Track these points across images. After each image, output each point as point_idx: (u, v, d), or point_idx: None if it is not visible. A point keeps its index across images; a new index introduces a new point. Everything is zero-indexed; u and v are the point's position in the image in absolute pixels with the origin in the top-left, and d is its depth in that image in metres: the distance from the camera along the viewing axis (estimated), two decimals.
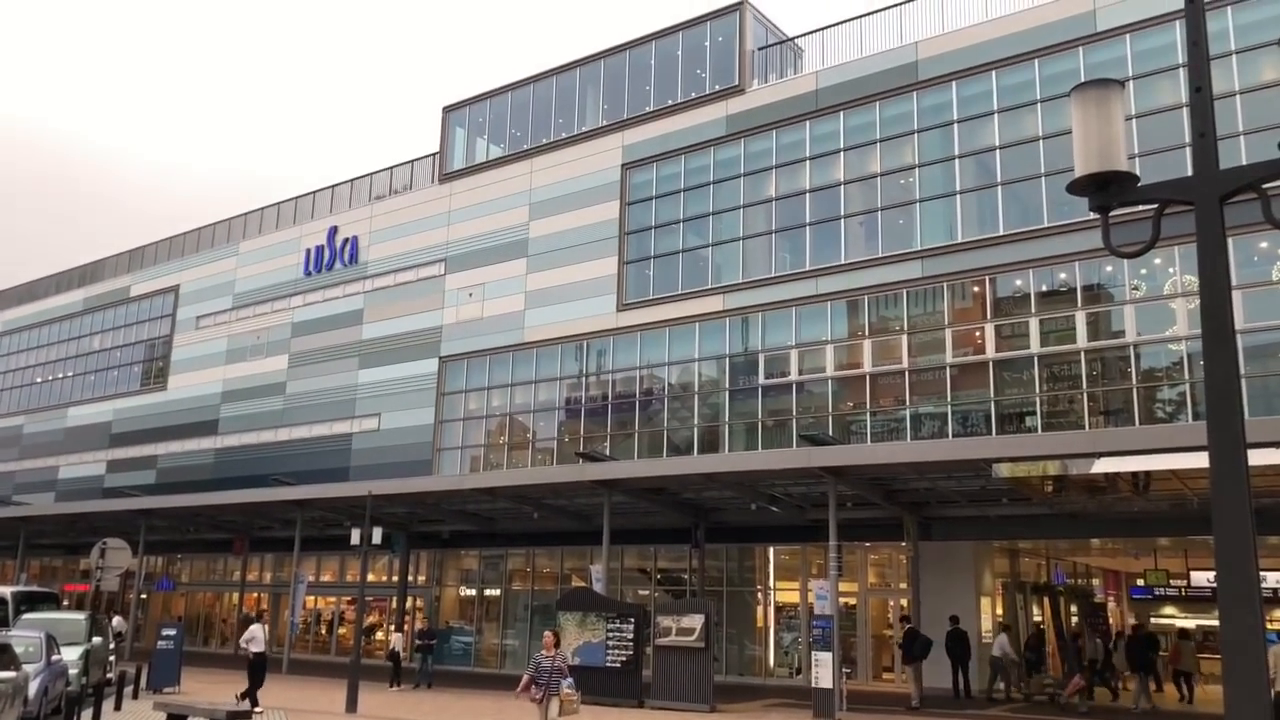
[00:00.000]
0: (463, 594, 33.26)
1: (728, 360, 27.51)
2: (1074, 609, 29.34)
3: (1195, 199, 4.72)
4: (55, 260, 76.87)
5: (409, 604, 33.09)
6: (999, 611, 25.25)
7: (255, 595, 38.86)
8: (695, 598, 24.90)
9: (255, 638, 18.86)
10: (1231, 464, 4.35)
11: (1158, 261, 21.60)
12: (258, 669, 18.38)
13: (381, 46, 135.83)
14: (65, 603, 31.49)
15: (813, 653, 19.39)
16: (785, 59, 29.53)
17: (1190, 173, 4.91)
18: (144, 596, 39.93)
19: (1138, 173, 5.17)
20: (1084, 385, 22.11)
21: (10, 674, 12.99)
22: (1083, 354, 22.27)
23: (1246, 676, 4.15)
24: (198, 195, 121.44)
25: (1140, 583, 31.80)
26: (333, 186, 39.31)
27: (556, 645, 12.84)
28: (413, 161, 37.09)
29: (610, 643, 20.97)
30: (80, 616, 20.85)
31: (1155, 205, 5.02)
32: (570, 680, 12.39)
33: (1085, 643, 23.79)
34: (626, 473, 23.94)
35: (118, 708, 17.51)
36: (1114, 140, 4.96)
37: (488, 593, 32.19)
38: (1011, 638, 23.18)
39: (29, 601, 21.89)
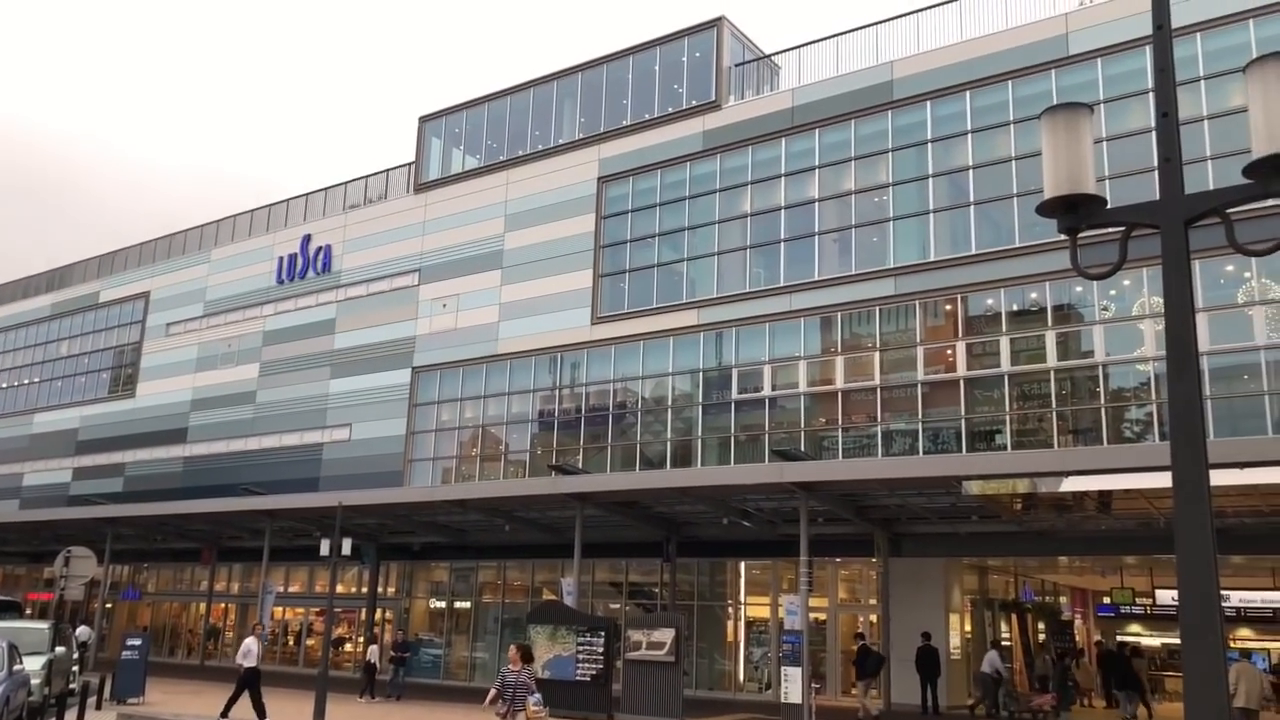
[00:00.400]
0: (433, 606, 33.04)
1: (701, 375, 27.58)
2: (1041, 626, 29.60)
3: (1161, 222, 4.83)
4: (23, 263, 75.96)
5: (378, 616, 32.83)
6: (967, 628, 25.41)
7: (223, 606, 38.44)
8: (666, 612, 24.87)
9: (250, 651, 18.74)
10: (1194, 484, 4.43)
11: (1127, 283, 21.90)
12: (248, 683, 18.25)
13: (358, 55, 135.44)
14: (28, 611, 30.99)
15: (782, 668, 19.42)
16: (762, 76, 29.75)
17: (1157, 197, 5.01)
18: (109, 606, 39.37)
19: (1108, 195, 5.27)
20: (1053, 404, 22.34)
21: None
22: (1052, 373, 22.51)
23: (1207, 694, 4.21)
24: (170, 199, 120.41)
25: (1107, 600, 32.12)
26: (306, 195, 39.13)
27: (523, 660, 12.57)
28: (388, 171, 37.00)
29: (580, 656, 20.90)
30: (43, 626, 20.56)
31: (1123, 228, 5.13)
32: (538, 696, 12.20)
33: (1045, 660, 24.13)
34: (599, 486, 23.91)
35: (80, 718, 17.25)
36: (1083, 163, 5.06)
37: (458, 605, 32.00)
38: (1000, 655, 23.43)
39: None
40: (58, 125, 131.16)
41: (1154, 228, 4.86)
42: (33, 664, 17.90)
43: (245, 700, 18.31)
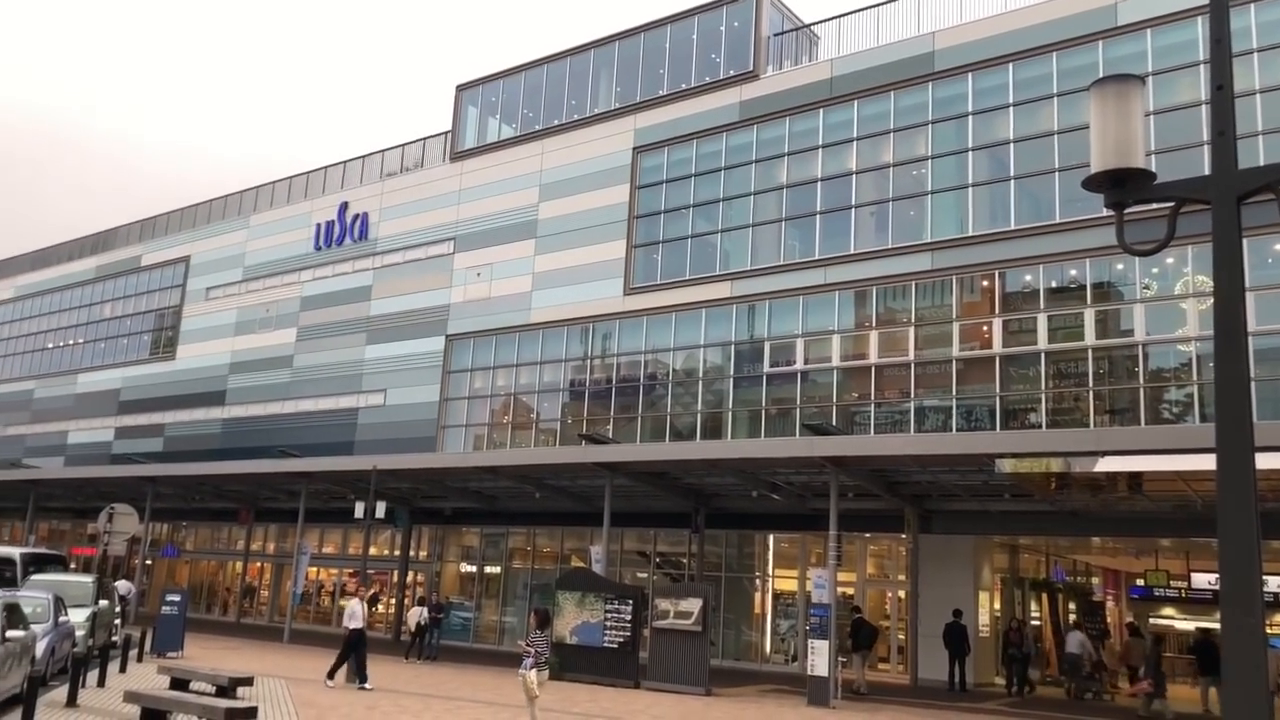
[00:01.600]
0: (463, 570, 33.42)
1: (733, 347, 27.51)
2: (1072, 606, 29.43)
3: (1212, 198, 4.71)
4: (70, 230, 77.10)
5: (410, 578, 33.26)
6: (997, 606, 25.33)
7: (259, 565, 39.12)
8: (694, 582, 24.99)
9: (354, 614, 18.66)
10: (1239, 467, 4.36)
11: (1170, 261, 21.52)
12: (353, 646, 18.20)
13: (396, 25, 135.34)
14: (73, 565, 31.67)
15: (809, 640, 19.47)
16: (800, 46, 29.40)
17: (1208, 171, 4.90)
18: (149, 562, 40.18)
19: (1154, 170, 5.15)
20: (1090, 383, 22.07)
21: (19, 633, 13.11)
22: (1090, 352, 22.22)
23: (1247, 679, 4.17)
24: (212, 166, 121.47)
25: (1140, 583, 31.83)
26: (344, 162, 39.30)
27: (538, 625, 13.17)
28: (424, 139, 37.05)
29: (608, 623, 21.09)
30: (88, 579, 21.02)
31: (1171, 203, 5.02)
32: (527, 662, 12.56)
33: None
34: (629, 456, 23.99)
35: (123, 670, 17.68)
36: (1132, 137, 4.94)
37: (488, 570, 32.34)
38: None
39: (37, 563, 22.04)
40: (109, 94, 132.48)
41: (1204, 203, 4.75)
42: (77, 616, 18.31)
43: (274, 655, 18.62)
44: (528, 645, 12.79)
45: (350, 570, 34.71)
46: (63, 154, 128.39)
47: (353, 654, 18.27)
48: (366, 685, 17.71)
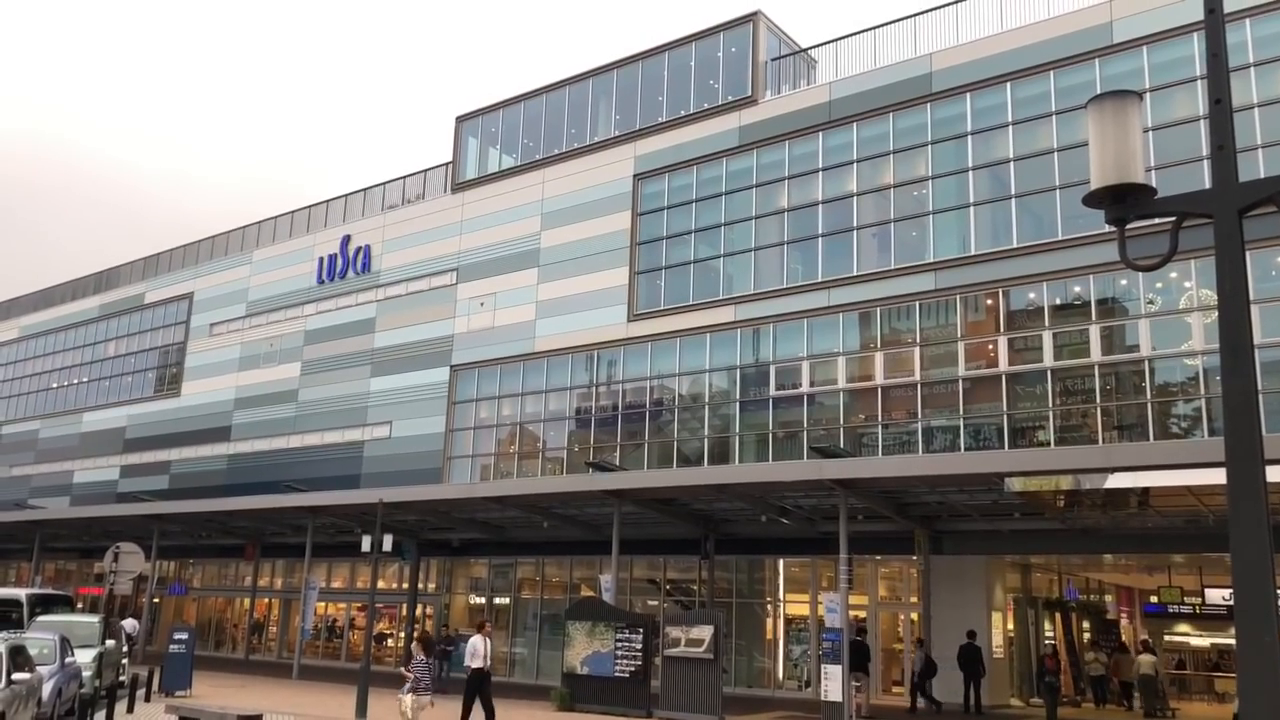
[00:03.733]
0: (472, 601, 33.25)
1: (739, 371, 27.48)
2: (1086, 625, 29.18)
3: (1214, 211, 4.70)
4: (73, 266, 77.42)
5: (419, 611, 33.08)
6: (1010, 627, 25.12)
7: (267, 601, 38.95)
8: (704, 609, 24.82)
9: (476, 651, 17.63)
10: (1249, 480, 4.32)
11: (1174, 275, 21.49)
12: (477, 686, 17.15)
13: (394, 56, 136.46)
14: (79, 606, 31.56)
15: (822, 665, 19.30)
16: (798, 70, 29.56)
17: (1208, 185, 4.89)
18: (156, 601, 40.04)
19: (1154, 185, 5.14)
20: (1098, 399, 21.99)
21: (25, 675, 13.05)
22: (1096, 368, 22.16)
23: (1262, 695, 4.11)
24: (212, 201, 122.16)
25: (1154, 600, 31.57)
26: (346, 195, 39.50)
27: (423, 653, 13.91)
28: (425, 171, 37.24)
29: (619, 652, 20.93)
30: (94, 619, 20.93)
31: (1172, 218, 5.00)
32: (406, 687, 13.12)
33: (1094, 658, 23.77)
34: (636, 483, 23.91)
35: (130, 710, 17.57)
36: (1131, 152, 4.93)
37: (497, 600, 32.16)
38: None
39: (44, 604, 21.99)
40: (105, 128, 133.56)
41: (1206, 217, 4.73)
42: (84, 657, 18.24)
43: (285, 691, 18.45)
44: (408, 671, 13.34)
45: (359, 605, 34.55)
46: (63, 188, 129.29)
47: (477, 695, 17.03)
48: None
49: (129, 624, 30.23)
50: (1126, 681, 25.27)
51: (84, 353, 48.56)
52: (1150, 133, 21.22)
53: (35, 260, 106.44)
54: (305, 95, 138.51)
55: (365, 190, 38.88)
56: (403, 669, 13.69)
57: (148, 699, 19.83)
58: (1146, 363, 21.73)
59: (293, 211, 41.27)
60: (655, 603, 28.35)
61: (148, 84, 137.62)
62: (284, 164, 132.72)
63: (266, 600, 39.03)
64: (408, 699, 12.85)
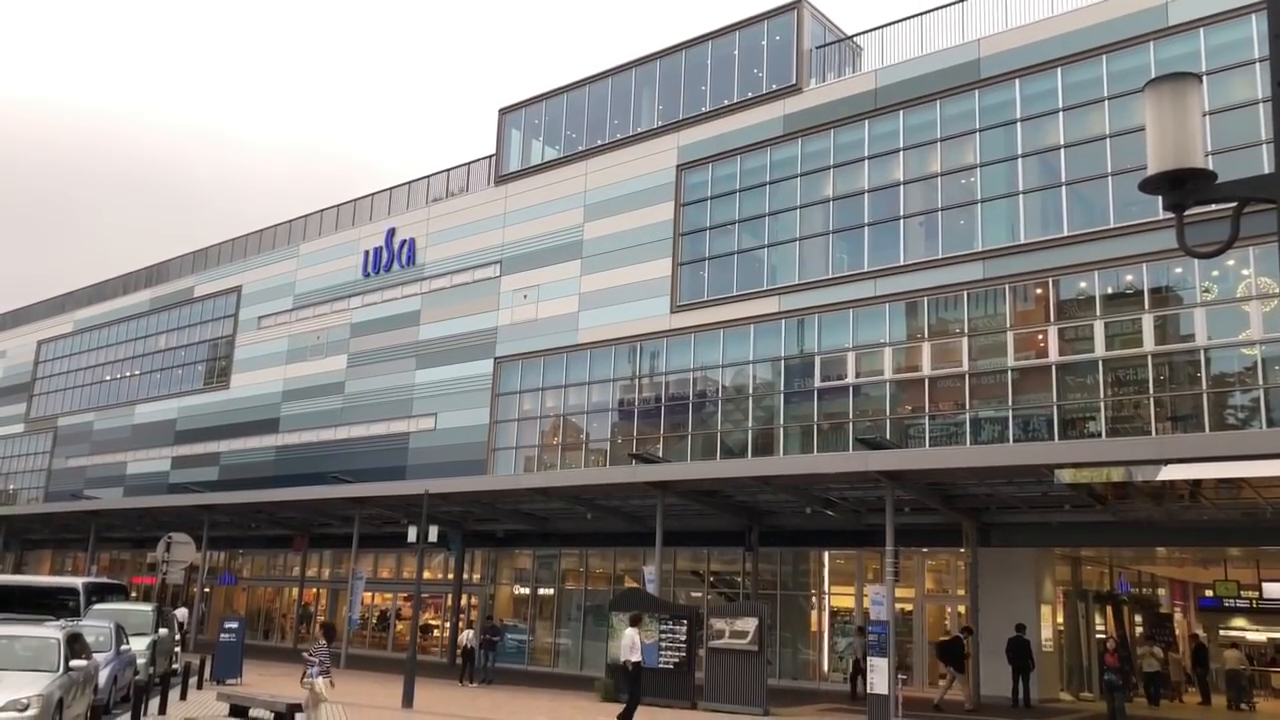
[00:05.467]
0: (517, 592, 33.45)
1: (783, 362, 27.30)
2: (1139, 619, 28.67)
3: (1277, 196, 4.54)
4: (126, 260, 78.95)
5: (464, 602, 33.35)
6: (1059, 620, 24.74)
7: (315, 591, 39.51)
8: (748, 601, 24.73)
9: (634, 644, 16.77)
10: None
11: (1230, 263, 20.97)
12: (636, 678, 16.37)
13: (438, 50, 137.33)
14: (133, 594, 32.25)
15: (868, 658, 19.15)
16: (843, 58, 29.23)
17: (1266, 170, 4.72)
18: (207, 590, 40.77)
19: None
20: (1151, 390, 21.54)
21: (83, 662, 13.32)
22: (1150, 358, 21.70)
23: None
24: (260, 195, 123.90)
25: (1209, 594, 30.91)
26: (390, 189, 39.82)
27: (324, 639, 14.40)
28: (469, 164, 37.42)
29: (663, 644, 20.91)
30: (148, 608, 21.35)
31: (1230, 204, 4.84)
32: (313, 669, 13.52)
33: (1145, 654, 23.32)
34: (680, 475, 23.86)
35: (183, 697, 17.88)
36: (1191, 136, 4.77)
37: (541, 592, 32.32)
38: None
39: (99, 593, 22.44)
40: (153, 123, 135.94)
41: (1270, 202, 4.57)
42: (138, 644, 18.61)
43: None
44: (310, 656, 13.84)
45: (405, 595, 34.90)
46: (116, 175, 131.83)
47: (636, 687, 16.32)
48: None
49: (180, 612, 30.85)
50: (1151, 674, 24.38)
51: (135, 346, 49.49)
52: (1207, 117, 20.68)
53: (89, 255, 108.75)
54: (351, 90, 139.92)
55: (409, 184, 39.16)
56: (305, 654, 14.50)
57: (199, 687, 20.18)
58: (1202, 352, 21.24)
59: (338, 205, 41.71)
60: (699, 594, 28.31)
61: (197, 79, 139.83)
62: (330, 159, 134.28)
63: (314, 590, 39.58)
64: (319, 681, 13.42)
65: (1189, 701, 25.91)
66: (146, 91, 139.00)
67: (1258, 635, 30.60)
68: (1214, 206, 4.98)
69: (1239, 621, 31.28)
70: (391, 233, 37.98)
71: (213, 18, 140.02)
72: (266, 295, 42.71)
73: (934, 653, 22.05)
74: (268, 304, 42.52)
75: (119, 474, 47.50)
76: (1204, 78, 20.84)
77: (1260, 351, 20.44)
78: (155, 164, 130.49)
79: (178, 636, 23.83)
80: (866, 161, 26.61)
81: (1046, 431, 22.48)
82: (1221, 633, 31.02)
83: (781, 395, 27.18)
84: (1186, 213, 4.87)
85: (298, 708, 14.79)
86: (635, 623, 17.54)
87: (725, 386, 28.50)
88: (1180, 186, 4.80)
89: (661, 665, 20.72)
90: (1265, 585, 28.27)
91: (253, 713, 15.12)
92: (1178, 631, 30.51)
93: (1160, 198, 4.91)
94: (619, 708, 17.87)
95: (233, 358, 43.46)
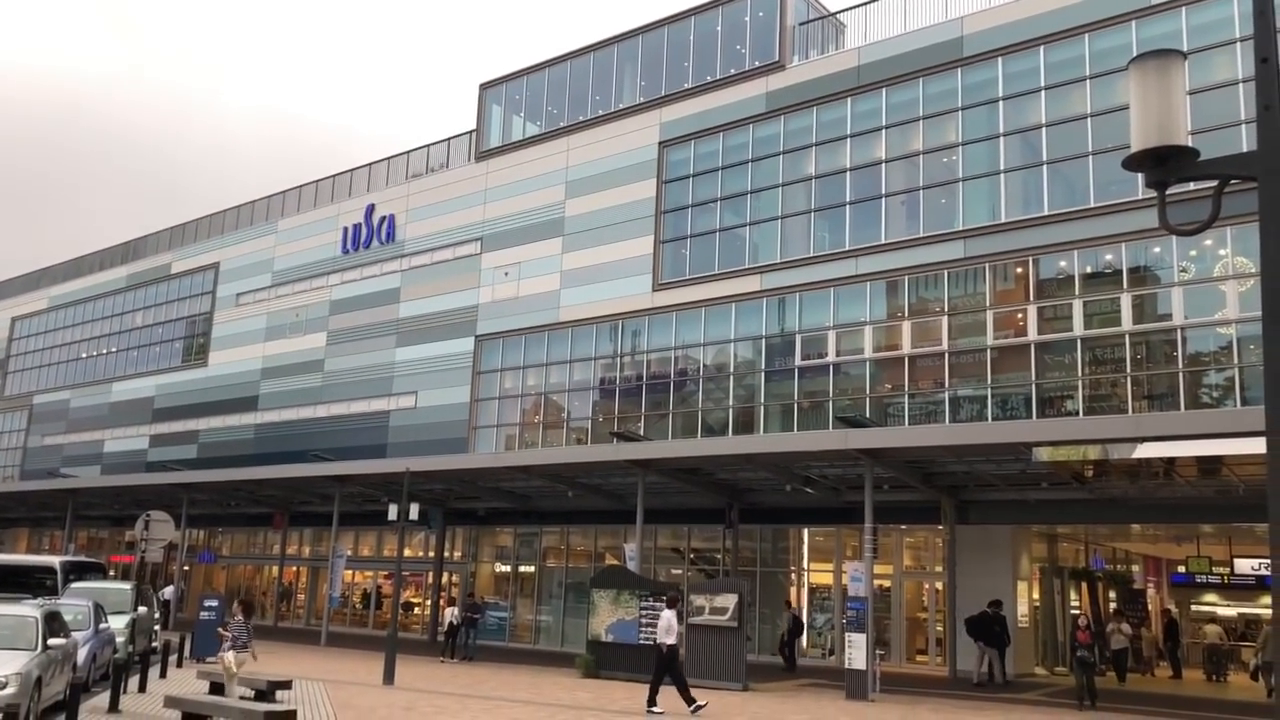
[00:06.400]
0: (498, 570, 33.50)
1: (764, 341, 27.35)
2: (1112, 595, 29.05)
3: (1259, 174, 4.55)
4: (103, 236, 78.09)
5: (445, 579, 33.38)
6: (1036, 596, 25.02)
7: (295, 569, 39.44)
8: (729, 577, 24.88)
9: (671, 627, 16.15)
10: None
11: (1208, 243, 21.13)
12: (669, 664, 15.85)
13: (418, 24, 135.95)
14: (111, 573, 32.07)
15: (846, 634, 19.31)
16: (826, 35, 29.15)
17: (1246, 149, 4.74)
18: (187, 569, 40.62)
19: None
20: (1128, 369, 21.73)
21: (61, 641, 13.26)
22: (1127, 337, 21.88)
23: None
24: (237, 170, 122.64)
25: (1181, 570, 31.36)
26: (370, 165, 39.48)
27: (243, 615, 14.24)
28: (449, 139, 37.14)
29: (644, 621, 21.02)
30: (126, 586, 21.24)
31: (1211, 183, 4.86)
32: (226, 644, 13.76)
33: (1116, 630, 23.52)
34: (661, 453, 23.91)
35: (163, 675, 17.85)
36: (1174, 114, 4.78)
37: (522, 569, 32.39)
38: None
39: (77, 571, 22.33)
40: (129, 101, 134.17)
41: (1252, 180, 4.59)
42: (117, 623, 18.53)
43: (312, 658, 18.65)
44: (225, 631, 14.10)
45: (385, 573, 34.89)
46: (91, 154, 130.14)
47: (667, 674, 15.78)
48: (700, 702, 15.39)
49: (168, 590, 30.71)
50: (1119, 650, 23.99)
51: (112, 323, 49.02)
52: (1188, 96, 20.76)
53: (68, 231, 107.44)
54: (332, 65, 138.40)
55: (389, 159, 38.84)
56: (220, 629, 14.83)
57: (179, 665, 20.14)
58: (1179, 331, 21.43)
59: (317, 181, 41.33)
60: (679, 571, 28.44)
61: (177, 49, 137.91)
62: (308, 134, 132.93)
63: (294, 568, 39.51)
64: (229, 655, 13.60)
65: (1160, 676, 26.29)
66: (123, 61, 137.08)
67: (1228, 610, 31.07)
68: (1193, 186, 5.01)
69: (1210, 597, 31.75)
70: (371, 209, 37.70)
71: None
72: (245, 272, 42.35)
73: (965, 630, 22.16)
74: (246, 281, 42.17)
75: (96, 452, 47.15)
76: (1185, 57, 20.99)
77: (1235, 331, 20.63)
78: (133, 135, 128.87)
79: (158, 615, 23.72)
80: (849, 140, 26.60)
81: (1025, 410, 22.65)
82: (1194, 608, 31.48)
83: (762, 374, 27.24)
84: (1168, 192, 4.89)
85: (279, 685, 14.79)
86: (673, 604, 16.96)
87: (706, 365, 28.54)
88: (1163, 164, 4.81)
89: (642, 641, 20.83)
90: (1236, 561, 28.72)
91: (232, 690, 15.07)
92: (1150, 607, 30.90)
93: (1140, 176, 4.93)
94: (600, 683, 17.98)
95: (211, 335, 43.14)
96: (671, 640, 16.17)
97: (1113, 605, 28.41)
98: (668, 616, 16.45)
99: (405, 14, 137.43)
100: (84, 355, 50.17)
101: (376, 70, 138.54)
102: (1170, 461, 18.97)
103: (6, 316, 56.01)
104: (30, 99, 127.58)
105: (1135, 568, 31.77)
